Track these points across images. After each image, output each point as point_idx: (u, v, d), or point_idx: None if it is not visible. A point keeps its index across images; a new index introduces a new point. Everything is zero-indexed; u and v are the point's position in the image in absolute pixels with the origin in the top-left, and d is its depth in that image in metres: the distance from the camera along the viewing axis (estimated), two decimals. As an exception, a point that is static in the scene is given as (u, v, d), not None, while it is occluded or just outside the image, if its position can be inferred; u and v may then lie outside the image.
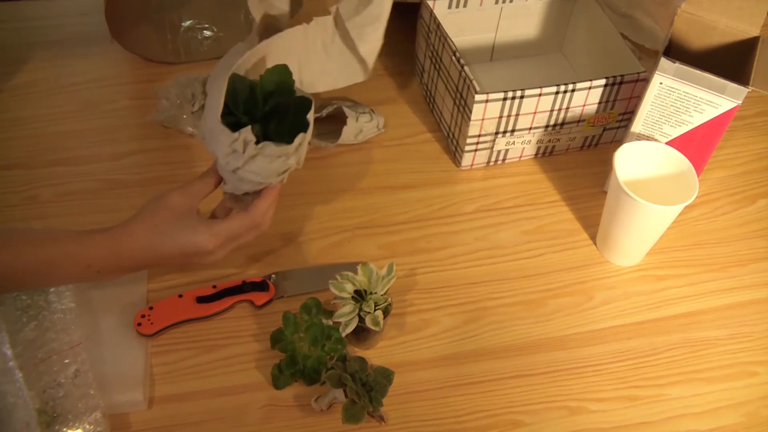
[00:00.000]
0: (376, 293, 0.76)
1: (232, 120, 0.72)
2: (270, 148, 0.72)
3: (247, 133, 0.70)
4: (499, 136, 0.94)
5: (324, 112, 0.98)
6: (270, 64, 0.76)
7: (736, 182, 1.00)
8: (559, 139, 0.97)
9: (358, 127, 0.98)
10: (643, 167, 0.86)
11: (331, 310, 0.78)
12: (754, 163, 1.02)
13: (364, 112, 0.99)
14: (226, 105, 0.72)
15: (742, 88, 0.80)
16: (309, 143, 0.93)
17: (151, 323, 0.79)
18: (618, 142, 0.94)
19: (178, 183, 0.92)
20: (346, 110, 0.97)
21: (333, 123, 0.98)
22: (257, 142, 0.71)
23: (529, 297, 0.86)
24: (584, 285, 0.88)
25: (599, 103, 0.93)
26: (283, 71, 0.74)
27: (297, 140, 0.73)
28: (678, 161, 0.84)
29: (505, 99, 0.89)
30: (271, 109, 0.74)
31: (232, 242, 0.76)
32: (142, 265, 0.75)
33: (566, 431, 0.76)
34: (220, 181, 0.76)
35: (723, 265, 0.90)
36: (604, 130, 0.99)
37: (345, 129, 0.97)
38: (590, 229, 0.93)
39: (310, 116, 0.74)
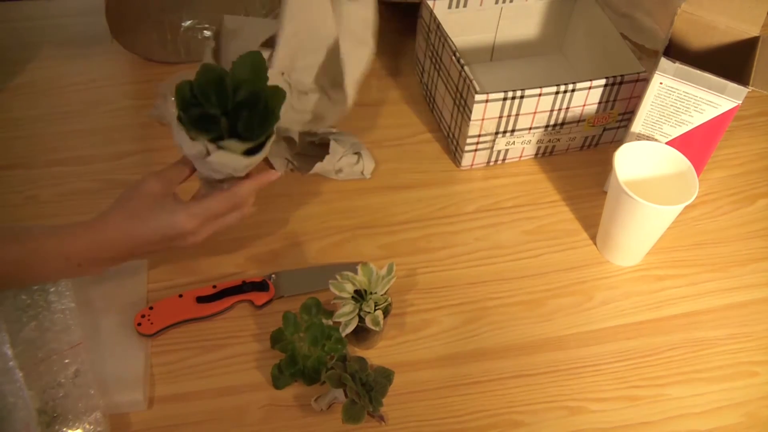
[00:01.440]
0: (376, 293, 0.76)
1: (199, 112, 0.70)
2: (231, 149, 0.70)
3: (203, 143, 0.69)
4: (499, 136, 0.94)
5: (316, 139, 0.94)
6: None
7: (736, 182, 1.00)
8: (559, 139, 0.97)
9: (338, 166, 0.94)
10: (643, 167, 0.86)
11: (331, 310, 0.78)
12: (754, 163, 1.02)
13: (353, 153, 0.95)
14: (195, 95, 0.70)
15: (742, 88, 0.80)
16: (289, 160, 0.93)
17: (151, 323, 0.79)
18: (618, 142, 0.94)
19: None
20: (333, 145, 0.93)
21: (324, 148, 0.94)
22: (222, 138, 0.70)
23: (529, 297, 0.86)
24: (584, 285, 0.88)
25: (599, 103, 0.93)
26: (255, 59, 0.71)
27: (254, 156, 0.71)
28: (678, 161, 0.84)
29: (505, 99, 0.89)
30: (242, 100, 0.70)
31: (213, 222, 0.74)
32: (124, 255, 0.73)
33: (566, 431, 0.76)
34: (194, 168, 0.75)
35: (723, 265, 0.90)
36: (604, 130, 0.99)
37: (318, 165, 0.92)
38: (590, 229, 0.93)
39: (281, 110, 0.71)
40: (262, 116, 0.71)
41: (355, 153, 0.95)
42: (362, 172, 0.95)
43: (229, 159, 0.71)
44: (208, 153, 0.71)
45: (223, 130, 0.70)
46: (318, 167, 0.91)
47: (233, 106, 0.70)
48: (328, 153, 0.92)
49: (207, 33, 1.08)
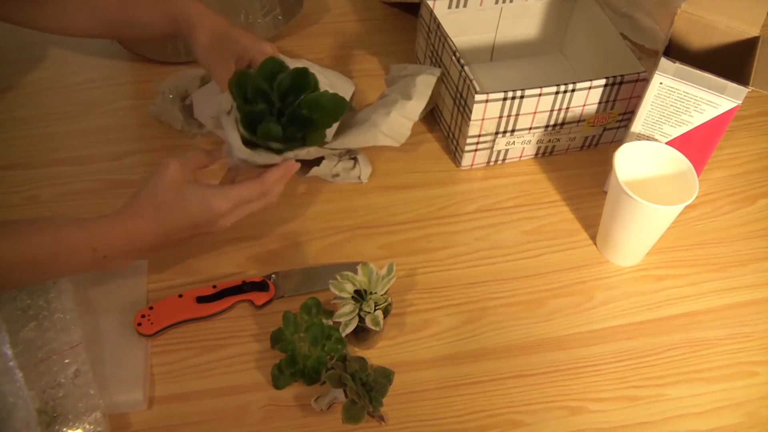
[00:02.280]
0: (376, 293, 0.76)
1: (259, 111, 0.73)
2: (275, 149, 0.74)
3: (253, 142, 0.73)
4: (499, 136, 0.94)
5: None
6: None
7: (736, 182, 1.00)
8: (559, 139, 0.97)
9: (334, 171, 0.93)
10: (643, 167, 0.86)
11: (331, 310, 0.78)
12: (754, 163, 1.02)
13: (350, 158, 0.94)
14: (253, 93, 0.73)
15: (742, 88, 0.80)
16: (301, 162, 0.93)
17: (151, 323, 0.79)
18: (618, 142, 0.94)
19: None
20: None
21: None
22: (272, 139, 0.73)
23: (529, 297, 0.86)
24: (584, 285, 0.88)
25: (599, 103, 0.93)
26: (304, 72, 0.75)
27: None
28: (678, 161, 0.85)
29: (505, 99, 0.89)
30: (298, 105, 0.74)
31: (242, 208, 0.75)
32: (152, 246, 0.73)
33: (566, 431, 0.76)
34: (213, 159, 0.77)
35: (723, 265, 0.90)
36: (604, 130, 0.99)
37: (315, 169, 0.89)
38: (590, 229, 0.93)
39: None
40: (322, 123, 0.75)
41: (352, 158, 0.94)
42: (359, 177, 0.95)
43: (268, 156, 0.74)
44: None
45: (277, 135, 0.73)
46: (315, 171, 0.91)
47: (291, 109, 0.74)
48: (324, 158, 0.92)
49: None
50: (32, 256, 0.69)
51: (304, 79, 0.75)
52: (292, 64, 0.94)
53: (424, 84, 0.91)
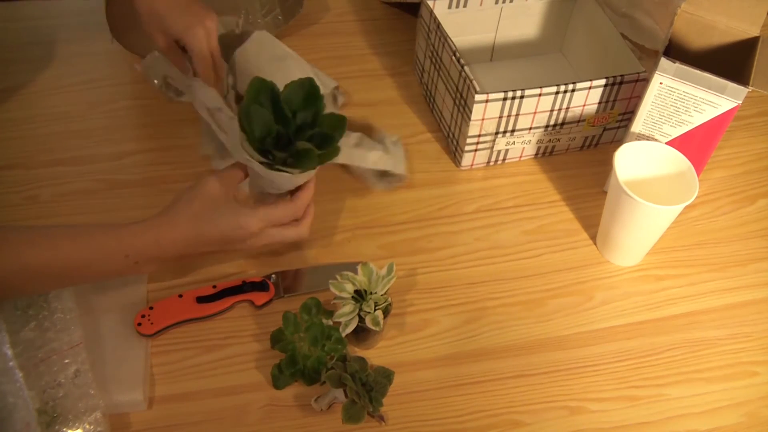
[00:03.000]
0: (376, 293, 0.76)
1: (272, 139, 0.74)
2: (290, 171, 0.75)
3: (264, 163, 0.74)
4: (499, 136, 0.94)
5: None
6: None
7: (736, 182, 1.00)
8: (559, 139, 0.97)
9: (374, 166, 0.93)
10: (643, 167, 0.86)
11: (331, 310, 0.78)
12: (754, 163, 1.02)
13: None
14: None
15: (742, 88, 0.80)
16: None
17: (151, 323, 0.79)
18: (618, 142, 0.94)
19: (178, 183, 0.93)
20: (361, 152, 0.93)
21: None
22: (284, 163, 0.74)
23: (529, 297, 0.86)
24: (584, 285, 0.88)
25: (599, 103, 0.93)
26: (310, 84, 0.75)
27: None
28: (678, 161, 0.84)
29: (505, 99, 0.89)
30: (302, 125, 0.75)
31: (273, 232, 0.76)
32: (181, 255, 0.74)
33: (566, 431, 0.76)
34: (248, 173, 0.78)
35: (723, 265, 0.90)
36: (604, 130, 0.99)
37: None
38: (590, 229, 0.93)
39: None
40: (322, 143, 0.74)
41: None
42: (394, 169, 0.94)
43: (287, 178, 0.75)
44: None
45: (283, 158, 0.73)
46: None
47: (294, 130, 0.74)
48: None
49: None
50: (66, 262, 0.70)
51: (313, 96, 0.75)
52: (275, 55, 0.93)
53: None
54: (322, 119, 0.75)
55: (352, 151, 0.90)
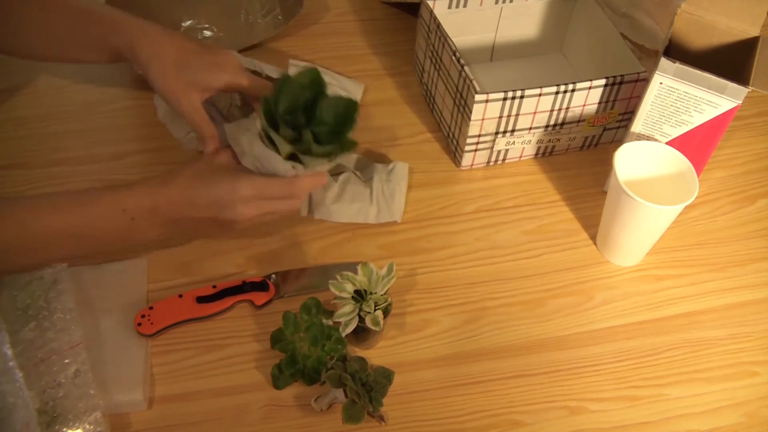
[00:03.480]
0: (376, 293, 0.76)
1: (291, 130, 0.74)
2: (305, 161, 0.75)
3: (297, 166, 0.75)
4: (499, 136, 0.94)
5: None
6: None
7: (736, 182, 1.00)
8: (559, 139, 0.97)
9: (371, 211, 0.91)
10: (643, 167, 0.86)
11: (331, 310, 0.78)
12: (754, 163, 1.02)
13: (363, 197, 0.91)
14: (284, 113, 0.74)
15: (742, 88, 0.80)
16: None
17: (151, 323, 0.79)
18: (618, 142, 0.94)
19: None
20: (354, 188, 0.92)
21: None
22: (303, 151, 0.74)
23: (529, 297, 0.86)
24: (584, 285, 0.88)
25: (599, 103, 0.93)
26: (313, 74, 0.76)
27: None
28: (678, 161, 0.85)
29: (505, 99, 0.89)
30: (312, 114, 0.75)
31: (264, 203, 0.75)
32: (176, 216, 0.74)
33: (566, 431, 0.76)
34: None
35: (723, 265, 0.90)
36: (604, 130, 0.99)
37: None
38: (590, 229, 0.93)
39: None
40: (340, 128, 0.75)
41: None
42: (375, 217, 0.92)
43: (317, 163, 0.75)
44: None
45: (306, 143, 0.74)
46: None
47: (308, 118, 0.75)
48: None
49: (207, 33, 1.08)
50: (68, 225, 0.71)
51: (318, 85, 0.76)
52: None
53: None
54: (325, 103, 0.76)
55: (330, 208, 0.90)
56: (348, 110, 0.76)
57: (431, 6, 0.99)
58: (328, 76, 1.01)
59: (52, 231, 0.71)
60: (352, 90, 1.03)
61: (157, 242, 0.82)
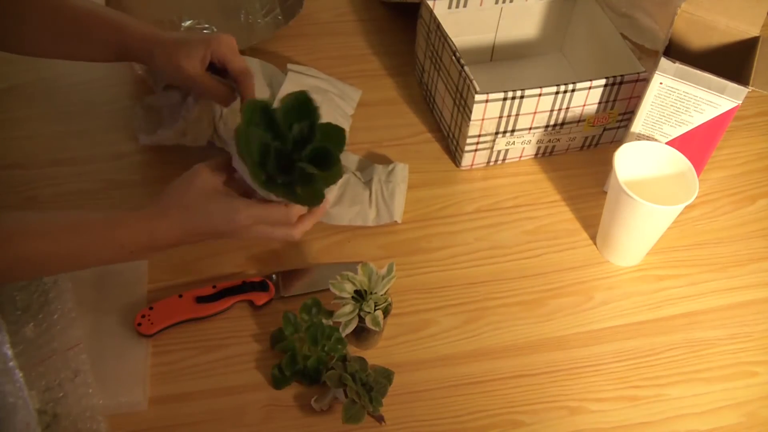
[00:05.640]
0: (376, 293, 0.76)
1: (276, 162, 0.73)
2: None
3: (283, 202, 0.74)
4: (499, 136, 0.94)
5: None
6: None
7: (736, 182, 1.00)
8: (559, 139, 0.97)
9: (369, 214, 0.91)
10: (643, 167, 0.86)
11: (331, 310, 0.78)
12: (754, 163, 1.02)
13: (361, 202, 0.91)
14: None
15: (742, 88, 0.80)
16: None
17: (151, 323, 0.79)
18: (618, 142, 0.94)
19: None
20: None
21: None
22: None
23: (529, 297, 0.86)
24: (584, 285, 0.88)
25: (599, 103, 0.93)
26: (302, 97, 0.73)
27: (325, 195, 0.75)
28: (678, 161, 0.85)
29: (505, 99, 0.89)
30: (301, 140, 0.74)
31: (263, 228, 0.75)
32: (174, 245, 0.74)
33: (566, 431, 0.76)
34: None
35: (723, 265, 0.90)
36: (604, 130, 0.99)
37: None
38: (590, 229, 0.93)
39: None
40: (323, 159, 0.73)
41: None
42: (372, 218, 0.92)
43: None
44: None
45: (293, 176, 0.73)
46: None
47: (292, 144, 0.73)
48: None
49: (207, 33, 1.08)
50: (63, 252, 0.70)
51: (306, 108, 0.74)
52: (297, 78, 0.93)
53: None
54: (318, 129, 0.73)
55: (329, 212, 0.89)
56: (334, 136, 0.74)
57: (431, 6, 0.99)
58: (325, 82, 1.01)
59: (44, 256, 0.69)
60: (350, 95, 1.03)
61: None
